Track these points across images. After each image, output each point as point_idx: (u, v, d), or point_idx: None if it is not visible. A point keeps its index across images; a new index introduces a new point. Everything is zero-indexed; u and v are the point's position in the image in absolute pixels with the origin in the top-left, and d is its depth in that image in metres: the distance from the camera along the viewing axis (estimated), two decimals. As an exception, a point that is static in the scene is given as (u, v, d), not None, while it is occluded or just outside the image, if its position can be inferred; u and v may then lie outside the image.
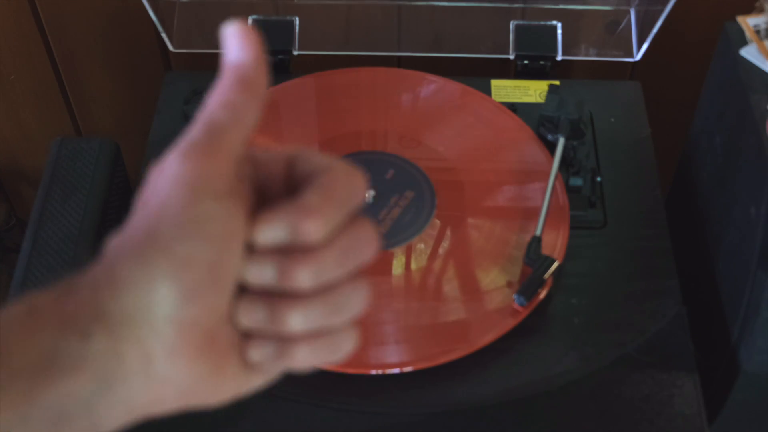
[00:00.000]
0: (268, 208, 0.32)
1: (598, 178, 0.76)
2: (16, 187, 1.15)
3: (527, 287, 0.66)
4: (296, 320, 0.32)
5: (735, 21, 0.73)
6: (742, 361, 0.67)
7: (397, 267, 0.70)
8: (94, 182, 0.75)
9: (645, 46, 0.85)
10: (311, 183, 0.32)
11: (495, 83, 0.84)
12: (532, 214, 0.72)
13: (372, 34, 0.91)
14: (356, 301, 0.33)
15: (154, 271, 0.30)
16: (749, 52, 0.71)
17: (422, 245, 0.71)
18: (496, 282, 0.68)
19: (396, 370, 0.64)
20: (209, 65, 0.98)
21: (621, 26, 0.87)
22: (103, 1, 0.95)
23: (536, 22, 0.87)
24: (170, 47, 0.87)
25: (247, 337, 0.33)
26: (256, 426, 0.62)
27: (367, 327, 0.66)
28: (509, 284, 0.68)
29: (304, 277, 0.31)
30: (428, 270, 0.70)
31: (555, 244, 0.69)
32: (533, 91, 0.84)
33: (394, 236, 0.71)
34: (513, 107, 0.81)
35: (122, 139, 0.83)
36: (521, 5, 0.87)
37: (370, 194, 0.73)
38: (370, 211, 0.73)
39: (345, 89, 0.84)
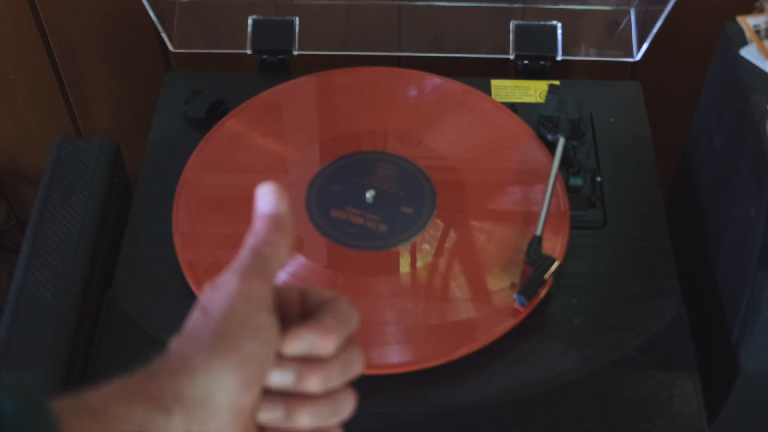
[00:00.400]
0: (293, 326, 0.40)
1: (598, 178, 0.76)
2: (16, 187, 1.15)
3: (528, 287, 0.66)
4: (306, 418, 0.40)
5: (735, 21, 0.73)
6: (742, 361, 0.67)
7: (398, 267, 0.70)
8: (94, 182, 0.75)
9: (645, 46, 0.85)
10: (325, 309, 0.41)
11: (495, 83, 0.84)
12: (532, 214, 0.72)
13: (372, 34, 0.91)
14: (349, 405, 0.42)
15: (224, 362, 0.38)
16: (749, 52, 0.71)
17: (423, 245, 0.71)
18: (496, 282, 0.68)
19: (396, 371, 0.64)
20: (209, 65, 0.98)
21: (621, 26, 0.87)
22: (103, 1, 0.95)
23: (536, 22, 0.87)
24: (170, 47, 0.87)
25: (262, 429, 0.41)
26: (256, 426, 0.62)
27: (367, 327, 0.66)
28: (510, 284, 0.68)
29: (316, 381, 0.40)
30: (429, 270, 0.70)
31: (555, 244, 0.70)
32: (533, 91, 0.84)
33: (394, 236, 0.71)
34: (513, 107, 0.81)
35: (122, 139, 0.83)
36: (521, 5, 0.87)
37: (370, 194, 0.73)
38: (370, 211, 0.73)
39: (345, 89, 0.84)
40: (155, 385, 0.37)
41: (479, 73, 0.86)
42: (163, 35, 0.86)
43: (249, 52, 0.86)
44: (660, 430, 0.62)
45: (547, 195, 0.71)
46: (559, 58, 0.86)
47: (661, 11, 0.80)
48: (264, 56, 0.87)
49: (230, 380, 0.38)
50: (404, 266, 0.70)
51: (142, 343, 0.66)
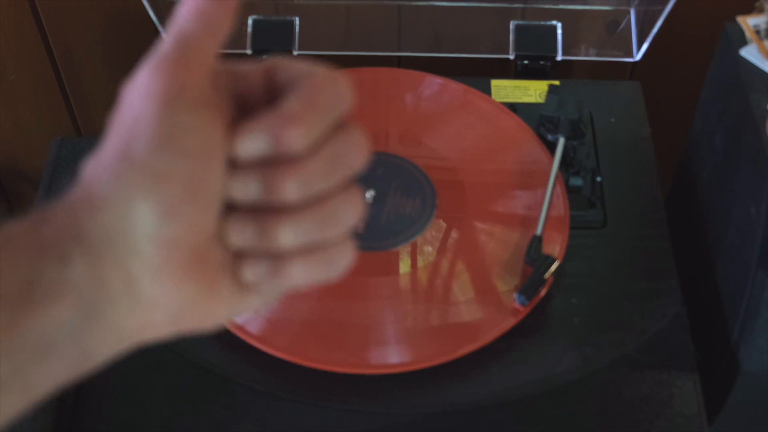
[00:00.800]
0: (249, 119, 0.31)
1: (598, 178, 0.76)
2: (16, 187, 1.15)
3: (528, 287, 0.66)
4: (287, 235, 0.31)
5: (735, 21, 0.73)
6: (742, 361, 0.67)
7: (398, 267, 0.70)
8: (94, 182, 0.75)
9: (645, 46, 0.85)
10: (293, 90, 0.31)
11: (495, 83, 0.84)
12: (532, 214, 0.72)
13: (372, 34, 0.91)
14: (349, 212, 0.32)
15: (131, 189, 0.29)
16: (749, 52, 0.71)
17: (423, 245, 0.71)
18: (496, 281, 0.68)
19: (396, 371, 0.64)
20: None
21: (621, 26, 0.87)
22: (103, 1, 0.95)
23: (536, 22, 0.87)
24: (170, 47, 0.87)
25: (239, 256, 0.32)
26: (256, 426, 0.62)
27: (367, 327, 0.66)
28: (510, 284, 0.68)
29: (290, 188, 0.30)
30: (429, 270, 0.70)
31: (555, 244, 0.70)
32: (533, 91, 0.84)
33: (394, 236, 0.71)
34: (513, 107, 0.81)
35: (122, 139, 0.83)
36: (521, 5, 0.87)
37: (370, 194, 0.73)
38: (370, 211, 0.73)
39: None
40: (48, 228, 0.29)
41: (479, 73, 0.86)
42: (163, 35, 0.86)
43: (249, 52, 0.86)
44: (660, 430, 0.62)
45: (547, 195, 0.71)
46: (559, 58, 0.86)
47: (661, 11, 0.80)
48: (264, 56, 0.86)
49: (143, 209, 0.29)
50: (404, 266, 0.70)
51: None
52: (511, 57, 0.86)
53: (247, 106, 0.32)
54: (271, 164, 0.30)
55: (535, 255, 0.67)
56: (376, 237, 0.71)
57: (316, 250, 0.32)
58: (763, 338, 0.65)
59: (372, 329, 0.66)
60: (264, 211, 0.31)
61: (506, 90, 0.84)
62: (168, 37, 0.31)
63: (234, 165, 0.31)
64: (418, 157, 0.77)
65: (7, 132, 1.08)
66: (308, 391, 0.63)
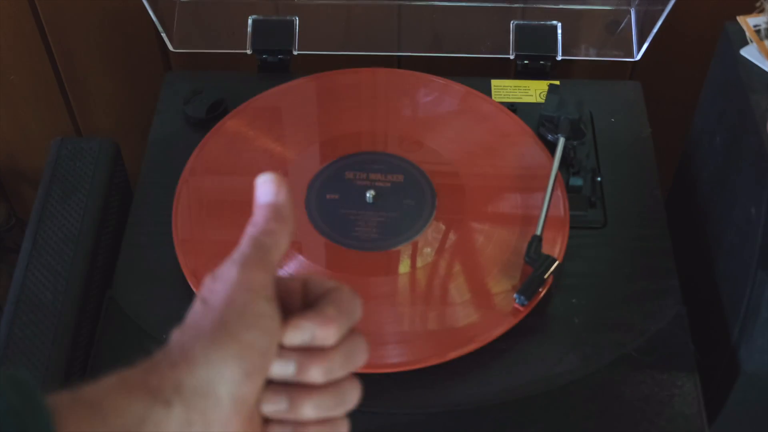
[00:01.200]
0: (294, 317, 0.40)
1: (598, 178, 0.76)
2: (16, 187, 1.15)
3: (528, 287, 0.66)
4: (310, 409, 0.40)
5: (735, 21, 0.73)
6: (742, 361, 0.67)
7: (398, 267, 0.70)
8: (94, 182, 0.75)
9: (645, 46, 0.85)
10: (326, 299, 0.41)
11: (495, 83, 0.84)
12: (532, 214, 0.72)
13: (372, 34, 0.91)
14: (354, 395, 0.41)
15: (225, 352, 0.37)
16: (749, 52, 0.71)
17: (423, 246, 0.71)
18: (496, 281, 0.68)
19: (396, 370, 0.64)
20: (209, 65, 0.98)
21: (621, 26, 0.87)
22: (103, 1, 0.95)
23: (536, 22, 0.87)
24: (170, 47, 0.87)
25: (267, 422, 0.41)
26: (256, 426, 0.62)
27: (367, 327, 0.66)
28: (510, 284, 0.68)
29: (318, 372, 0.40)
30: (429, 270, 0.70)
31: (555, 244, 0.70)
32: (533, 91, 0.84)
33: (394, 236, 0.71)
34: (513, 107, 0.81)
35: (122, 139, 0.83)
36: (521, 5, 0.87)
37: (370, 194, 0.73)
38: (370, 211, 0.73)
39: (346, 90, 0.84)
40: (154, 376, 0.37)
41: (479, 73, 0.86)
42: (163, 35, 0.86)
43: (249, 52, 0.86)
44: (660, 430, 0.62)
45: (547, 195, 0.71)
46: (559, 58, 0.86)
47: (661, 11, 0.80)
48: (264, 56, 0.87)
49: (231, 370, 0.37)
50: (404, 267, 0.70)
51: (141, 343, 0.66)
52: (511, 57, 0.86)
53: (286, 307, 0.42)
54: (305, 352, 0.40)
55: (535, 255, 0.68)
56: (376, 237, 0.71)
57: (327, 422, 0.41)
58: (763, 338, 0.65)
59: (372, 329, 0.66)
60: (294, 387, 0.40)
61: (506, 90, 0.84)
62: (246, 242, 0.40)
63: (280, 350, 0.40)
64: (418, 157, 0.77)
65: (7, 132, 1.08)
66: (308, 391, 0.63)
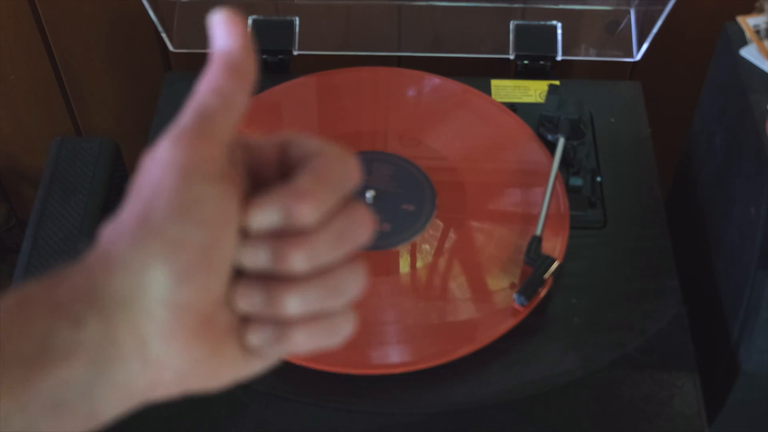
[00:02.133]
0: (262, 192, 0.32)
1: (598, 178, 0.76)
2: (16, 187, 1.15)
3: (528, 287, 0.66)
4: (293, 303, 0.32)
5: (735, 21, 0.73)
6: (742, 361, 0.67)
7: (398, 267, 0.70)
8: (94, 182, 0.75)
9: (645, 46, 0.85)
10: (304, 167, 0.33)
11: (495, 83, 0.84)
12: (532, 214, 0.72)
13: (372, 34, 0.91)
14: (353, 284, 0.33)
15: (147, 253, 0.30)
16: (749, 52, 0.71)
17: (423, 245, 0.71)
18: (496, 282, 0.68)
19: (396, 371, 0.64)
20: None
21: (621, 26, 0.87)
22: (103, 1, 0.95)
23: (536, 22, 0.87)
24: (170, 47, 0.87)
25: (245, 321, 0.33)
26: (256, 426, 0.62)
27: (367, 327, 0.66)
28: (510, 284, 0.68)
29: (298, 259, 0.32)
30: (429, 270, 0.70)
31: (555, 244, 0.70)
32: (533, 91, 0.84)
33: (394, 236, 0.71)
34: (513, 107, 0.81)
35: (122, 139, 0.83)
36: (521, 5, 0.87)
37: (370, 194, 0.73)
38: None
39: (345, 89, 0.84)
40: (63, 290, 0.31)
41: (479, 73, 0.86)
42: (163, 35, 0.86)
43: (249, 52, 0.86)
44: (660, 430, 0.62)
45: (547, 195, 0.71)
46: (559, 58, 0.86)
47: (661, 11, 0.80)
48: (264, 56, 0.87)
49: (158, 273, 0.30)
50: (404, 266, 0.70)
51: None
52: (511, 57, 0.86)
53: (260, 177, 0.34)
54: (281, 235, 0.32)
55: (534, 255, 0.68)
56: (376, 237, 0.71)
57: (320, 318, 0.33)
58: (763, 338, 0.64)
59: (372, 329, 0.66)
60: (272, 279, 0.32)
61: (506, 90, 0.84)
62: (187, 111, 0.33)
63: (246, 234, 0.32)
64: (418, 157, 0.77)
65: (7, 132, 1.08)
66: (308, 391, 0.63)
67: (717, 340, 0.71)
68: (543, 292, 0.67)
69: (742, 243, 0.67)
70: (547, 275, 0.67)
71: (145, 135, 0.81)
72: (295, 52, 0.86)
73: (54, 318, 0.30)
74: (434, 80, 0.84)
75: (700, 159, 0.80)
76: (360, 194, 0.74)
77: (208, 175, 0.31)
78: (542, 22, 0.87)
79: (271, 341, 0.33)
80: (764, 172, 0.64)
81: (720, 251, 0.73)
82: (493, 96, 0.83)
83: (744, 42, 0.71)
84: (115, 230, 0.32)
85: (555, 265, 0.67)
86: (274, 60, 0.86)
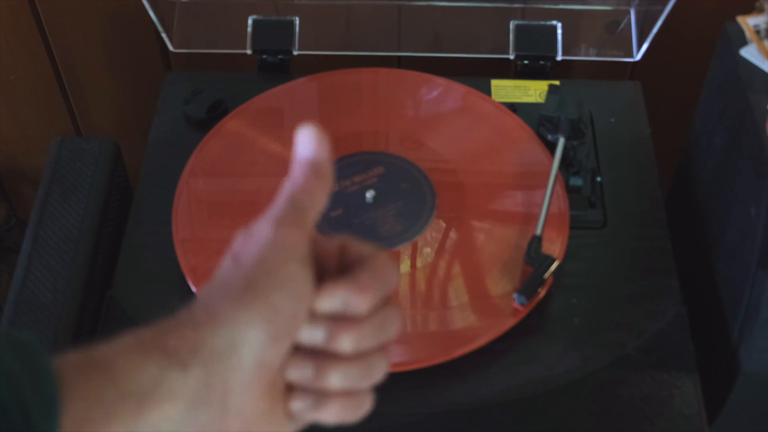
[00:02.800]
0: (328, 282, 0.38)
1: (598, 178, 0.76)
2: (16, 187, 1.15)
3: (527, 286, 0.66)
4: (336, 378, 0.38)
5: (735, 21, 0.73)
6: (742, 361, 0.67)
7: (398, 267, 0.70)
8: (94, 182, 0.75)
9: (645, 46, 0.85)
10: (362, 266, 0.39)
11: (495, 83, 0.84)
12: (532, 214, 0.72)
13: (372, 34, 0.91)
14: (380, 370, 0.39)
15: (252, 314, 0.36)
16: (749, 52, 0.71)
17: (423, 246, 0.71)
18: (496, 282, 0.68)
19: (396, 370, 0.64)
20: (209, 65, 0.98)
21: (621, 26, 0.87)
22: (103, 1, 0.95)
23: (536, 22, 0.87)
24: (170, 47, 0.87)
25: (290, 389, 0.39)
26: (256, 426, 0.62)
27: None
28: (510, 284, 0.68)
29: (347, 341, 0.38)
30: (429, 270, 0.70)
31: (555, 244, 0.70)
32: (533, 91, 0.84)
33: (394, 237, 0.71)
34: (513, 107, 0.81)
35: (122, 139, 0.83)
36: (521, 5, 0.87)
37: (370, 194, 0.73)
38: (370, 210, 0.73)
39: (346, 90, 0.84)
40: (173, 337, 0.35)
41: (479, 73, 0.86)
42: (163, 35, 0.86)
43: (249, 52, 0.86)
44: (660, 430, 0.62)
45: (547, 195, 0.71)
46: (559, 58, 0.86)
47: (661, 11, 0.80)
48: (264, 56, 0.87)
49: (257, 332, 0.36)
50: (404, 266, 0.70)
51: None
52: (511, 57, 0.86)
53: (322, 270, 0.40)
54: (336, 320, 0.38)
55: (534, 255, 0.68)
56: (376, 237, 0.71)
57: (351, 395, 0.39)
58: (763, 338, 0.65)
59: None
60: (322, 355, 0.38)
61: (506, 90, 0.84)
62: (282, 201, 0.39)
63: (311, 315, 0.38)
64: (418, 157, 0.77)
65: (7, 132, 1.08)
66: (308, 391, 0.63)
67: (717, 340, 0.71)
68: (543, 292, 0.67)
69: (742, 243, 0.67)
70: (547, 275, 0.67)
71: (145, 135, 0.81)
72: (295, 52, 0.86)
73: (165, 362, 0.35)
74: (434, 81, 0.84)
75: (700, 159, 0.80)
76: (360, 194, 0.74)
77: (301, 257, 0.37)
78: (542, 22, 0.87)
79: (310, 409, 0.39)
80: (764, 172, 0.64)
81: (720, 251, 0.73)
82: (493, 96, 0.83)
83: (744, 42, 0.71)
84: (217, 291, 0.37)
85: (555, 264, 0.67)
86: (274, 60, 0.86)
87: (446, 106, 0.82)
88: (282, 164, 0.77)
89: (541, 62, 0.86)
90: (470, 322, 0.66)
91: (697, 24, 0.93)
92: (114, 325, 0.68)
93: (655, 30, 0.82)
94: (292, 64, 0.87)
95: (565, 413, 0.63)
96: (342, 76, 0.84)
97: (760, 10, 0.73)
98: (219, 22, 0.89)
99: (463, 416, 0.63)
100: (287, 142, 0.79)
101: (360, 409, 0.39)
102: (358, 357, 0.38)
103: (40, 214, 0.73)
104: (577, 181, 0.75)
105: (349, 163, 0.76)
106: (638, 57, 0.86)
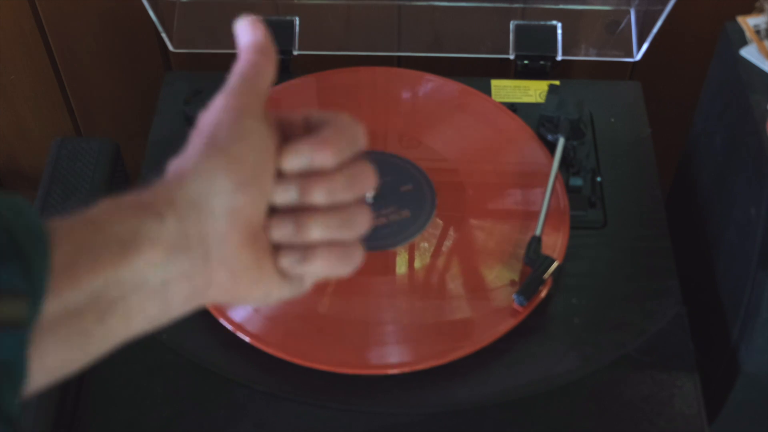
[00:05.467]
0: (291, 141, 0.41)
1: (598, 178, 0.76)
2: (16, 187, 1.15)
3: (527, 287, 0.66)
4: (316, 229, 0.41)
5: (735, 21, 0.73)
6: (742, 361, 0.67)
7: (398, 267, 0.70)
8: (94, 182, 0.75)
9: (645, 46, 0.85)
10: (324, 125, 0.42)
11: (495, 83, 0.84)
12: (532, 213, 0.72)
13: (372, 34, 0.91)
14: (362, 220, 0.42)
15: (214, 164, 0.39)
16: (749, 52, 0.71)
17: (422, 245, 0.71)
18: (496, 282, 0.68)
19: (396, 371, 0.64)
20: (209, 65, 0.98)
21: (621, 26, 0.87)
22: (103, 1, 0.95)
23: (536, 22, 0.87)
24: (170, 47, 0.87)
25: (277, 248, 0.41)
26: (255, 426, 0.62)
27: (367, 327, 0.66)
28: (509, 284, 0.68)
29: (319, 193, 0.41)
30: (428, 270, 0.70)
31: (555, 244, 0.70)
32: (533, 91, 0.84)
33: (394, 236, 0.71)
34: (513, 107, 0.81)
35: (122, 139, 0.83)
36: (521, 5, 0.87)
37: (369, 194, 0.73)
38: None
39: (345, 89, 0.84)
40: (147, 195, 0.39)
41: (479, 73, 0.86)
42: (163, 35, 0.86)
43: (249, 52, 0.86)
44: (660, 430, 0.62)
45: (547, 195, 0.71)
46: (559, 58, 0.86)
47: (661, 11, 0.80)
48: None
49: (222, 181, 0.39)
50: (404, 266, 0.70)
51: (142, 342, 0.66)
52: (511, 57, 0.86)
53: (289, 138, 0.42)
54: (306, 176, 0.41)
55: (534, 255, 0.68)
56: (376, 237, 0.71)
57: (336, 246, 0.42)
58: (763, 338, 0.65)
59: (372, 329, 0.66)
60: (298, 211, 0.41)
61: (506, 90, 0.84)
62: (233, 77, 0.42)
63: (279, 176, 0.41)
64: (418, 157, 0.77)
65: (7, 132, 1.08)
66: (308, 391, 0.63)
67: (717, 340, 0.71)
68: (543, 292, 0.67)
69: (742, 243, 0.67)
70: (546, 275, 0.67)
71: (145, 135, 0.81)
72: (295, 52, 0.86)
73: (142, 214, 0.38)
74: (434, 80, 0.84)
75: (700, 159, 0.80)
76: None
77: (255, 115, 0.41)
78: (542, 22, 0.87)
79: (298, 263, 0.41)
80: (764, 172, 0.64)
81: (720, 251, 0.73)
82: (493, 96, 0.83)
83: (744, 42, 0.71)
84: (183, 157, 0.40)
85: (554, 265, 0.67)
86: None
87: (446, 106, 0.82)
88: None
89: (541, 62, 0.86)
90: (470, 322, 0.66)
91: (697, 24, 0.93)
92: (114, 325, 0.68)
93: (655, 30, 0.82)
94: (292, 64, 0.87)
95: (565, 413, 0.63)
96: (342, 75, 0.84)
97: (760, 10, 0.73)
98: (219, 22, 0.89)
99: (463, 416, 0.63)
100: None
101: (349, 260, 0.42)
102: (336, 209, 0.41)
103: (40, 214, 0.73)
104: (577, 181, 0.75)
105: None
106: (638, 57, 0.86)
